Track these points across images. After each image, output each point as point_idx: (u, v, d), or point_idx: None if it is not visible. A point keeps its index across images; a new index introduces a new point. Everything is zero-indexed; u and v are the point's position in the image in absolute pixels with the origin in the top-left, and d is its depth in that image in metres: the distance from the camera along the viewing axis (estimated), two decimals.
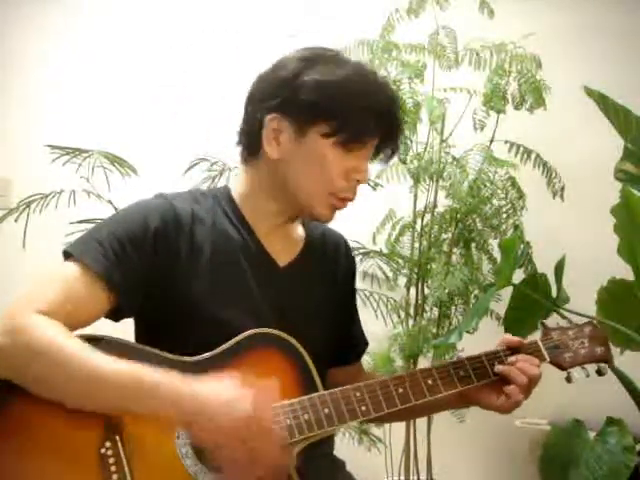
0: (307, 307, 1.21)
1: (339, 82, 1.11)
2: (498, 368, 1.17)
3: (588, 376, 1.24)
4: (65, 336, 0.98)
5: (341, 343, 1.31)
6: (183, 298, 1.10)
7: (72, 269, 1.05)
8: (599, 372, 1.25)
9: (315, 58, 1.14)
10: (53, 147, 1.98)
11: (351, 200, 1.18)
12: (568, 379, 1.23)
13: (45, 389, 0.96)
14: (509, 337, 1.22)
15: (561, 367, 1.23)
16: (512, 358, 1.18)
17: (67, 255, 1.08)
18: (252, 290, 1.15)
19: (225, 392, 0.95)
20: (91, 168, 1.97)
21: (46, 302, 1.00)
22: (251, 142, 1.18)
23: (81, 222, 1.79)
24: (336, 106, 1.11)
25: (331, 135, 1.12)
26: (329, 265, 1.30)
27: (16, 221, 1.94)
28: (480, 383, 1.16)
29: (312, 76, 1.11)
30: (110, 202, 1.95)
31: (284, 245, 1.22)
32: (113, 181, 2.00)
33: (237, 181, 1.23)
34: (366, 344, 1.41)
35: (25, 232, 1.92)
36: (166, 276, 1.10)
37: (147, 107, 2.51)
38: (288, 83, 1.12)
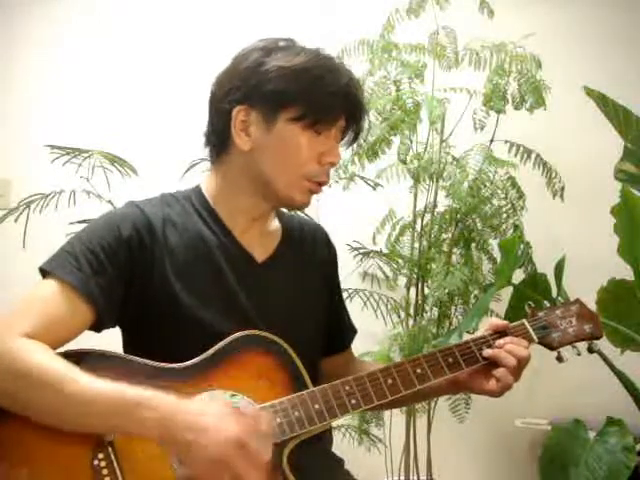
0: (288, 301, 1.21)
1: (301, 66, 1.13)
2: (487, 352, 1.16)
3: (579, 354, 1.23)
4: (49, 359, 0.98)
5: (330, 332, 1.31)
6: (162, 303, 1.10)
7: (49, 286, 1.05)
8: (590, 349, 1.25)
9: (273, 47, 1.16)
10: (53, 147, 1.97)
11: (325, 184, 1.18)
12: (559, 359, 1.22)
13: (33, 413, 0.96)
14: (495, 321, 1.22)
15: (550, 347, 1.22)
16: (500, 341, 1.17)
17: (43, 272, 1.08)
18: (231, 288, 1.15)
19: (212, 410, 0.95)
20: (91, 168, 1.97)
21: (28, 323, 1.00)
22: (220, 139, 1.18)
23: (81, 222, 1.79)
24: (301, 89, 1.12)
25: (300, 119, 1.12)
26: (308, 256, 1.29)
27: (16, 221, 1.93)
28: (469, 369, 1.16)
29: (274, 63, 1.13)
30: (110, 202, 1.95)
31: (261, 240, 1.22)
32: (113, 181, 2.00)
33: (208, 181, 1.23)
34: (355, 331, 1.41)
35: (25, 232, 1.92)
36: (143, 283, 1.10)
37: (147, 107, 2.51)
38: (251, 73, 1.14)
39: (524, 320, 1.23)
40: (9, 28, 2.59)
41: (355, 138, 1.23)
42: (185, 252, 1.14)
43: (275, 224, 1.28)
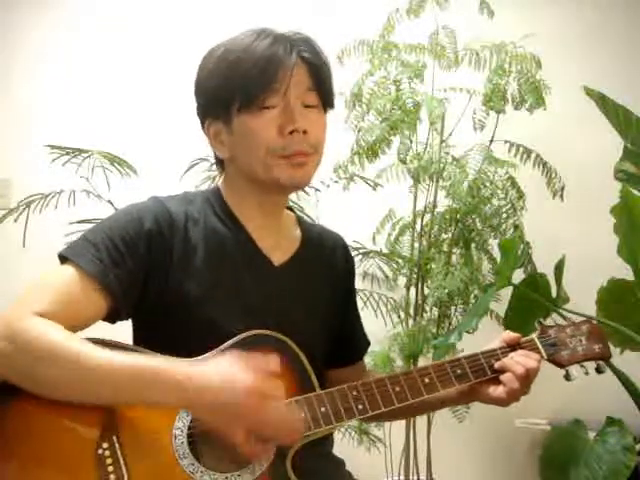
0: (302, 306, 1.21)
1: (219, 60, 1.14)
2: (497, 364, 1.17)
3: (587, 374, 1.23)
4: (65, 335, 0.98)
5: (343, 344, 1.31)
6: (178, 299, 1.11)
7: (68, 273, 1.05)
8: (598, 370, 1.25)
9: (208, 54, 1.18)
10: (53, 147, 1.98)
11: (304, 152, 1.14)
12: (567, 377, 1.23)
13: (51, 390, 0.96)
14: (507, 334, 1.22)
15: (559, 365, 1.23)
16: (511, 354, 1.18)
17: (62, 259, 1.08)
18: (247, 289, 1.15)
19: (223, 368, 0.98)
20: (91, 168, 1.98)
21: (43, 305, 1.00)
22: (214, 154, 1.23)
23: (81, 222, 1.79)
24: (223, 83, 1.13)
25: (240, 109, 1.12)
26: (326, 266, 1.29)
27: (16, 221, 1.94)
28: (477, 381, 1.17)
29: (205, 69, 1.16)
30: (110, 202, 1.95)
31: (279, 244, 1.22)
32: (113, 181, 2.00)
33: (222, 182, 1.25)
34: (368, 343, 1.41)
35: (25, 232, 1.92)
36: (161, 278, 1.10)
37: (147, 107, 2.51)
38: (197, 90, 1.19)
39: (534, 336, 1.23)
40: (9, 28, 2.59)
41: (325, 95, 1.17)
42: (204, 250, 1.14)
43: (296, 232, 1.28)
